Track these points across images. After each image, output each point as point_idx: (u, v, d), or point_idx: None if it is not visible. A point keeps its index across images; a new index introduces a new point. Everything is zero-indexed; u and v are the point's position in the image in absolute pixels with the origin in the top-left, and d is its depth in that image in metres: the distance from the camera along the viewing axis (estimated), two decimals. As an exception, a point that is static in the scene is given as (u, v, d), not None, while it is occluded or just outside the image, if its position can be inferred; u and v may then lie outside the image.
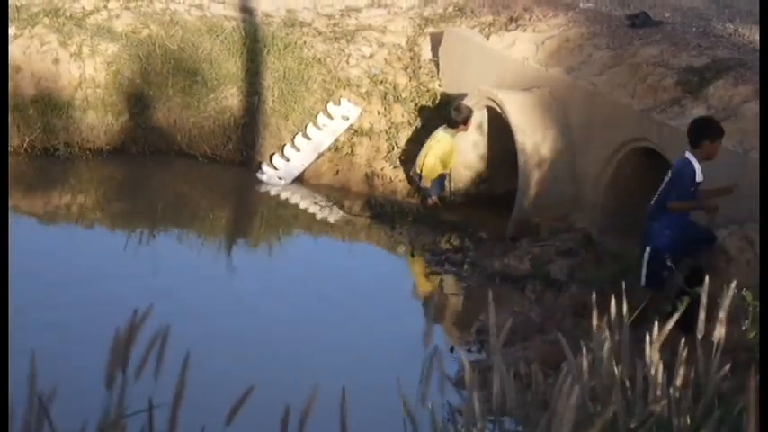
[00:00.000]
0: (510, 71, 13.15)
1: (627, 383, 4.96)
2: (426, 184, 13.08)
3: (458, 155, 13.13)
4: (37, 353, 3.75)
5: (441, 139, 12.96)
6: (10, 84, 14.18)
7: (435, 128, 13.39)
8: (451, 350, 9.37)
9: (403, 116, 14.19)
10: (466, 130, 12.96)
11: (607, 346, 4.99)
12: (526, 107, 12.26)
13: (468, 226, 12.61)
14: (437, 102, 14.17)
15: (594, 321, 5.15)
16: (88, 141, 14.28)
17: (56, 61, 14.40)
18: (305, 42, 14.83)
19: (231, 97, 14.44)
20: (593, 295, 5.40)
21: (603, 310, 5.47)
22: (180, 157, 14.32)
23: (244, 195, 14.23)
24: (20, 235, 12.20)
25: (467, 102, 12.99)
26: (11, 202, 13.29)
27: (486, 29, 14.17)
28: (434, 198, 13.18)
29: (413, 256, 12.14)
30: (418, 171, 13.06)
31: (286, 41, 14.72)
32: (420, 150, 13.10)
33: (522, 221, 12.06)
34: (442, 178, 13.19)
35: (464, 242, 12.23)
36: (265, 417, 4.00)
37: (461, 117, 12.86)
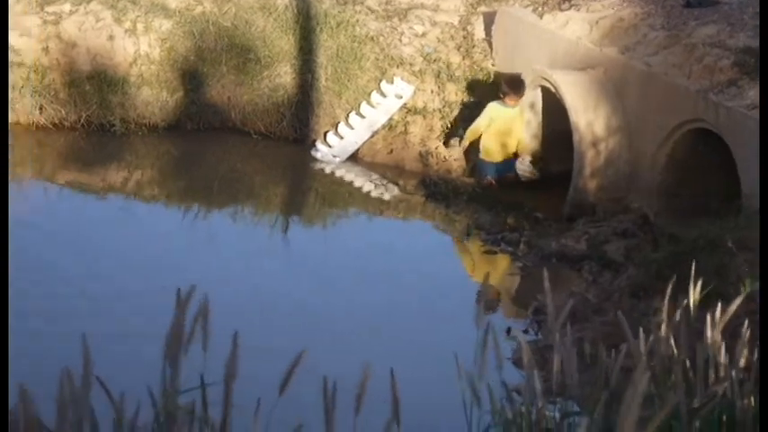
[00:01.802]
0: (563, 51, 13.12)
1: (688, 365, 4.98)
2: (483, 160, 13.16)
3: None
4: (91, 329, 3.83)
5: (488, 112, 13.10)
6: (66, 60, 14.37)
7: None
8: (508, 331, 9.39)
9: (456, 95, 14.19)
10: (513, 102, 12.96)
11: (665, 326, 5.02)
12: (581, 87, 12.24)
13: (524, 206, 12.59)
14: (490, 81, 14.16)
15: (658, 302, 5.17)
16: (143, 117, 14.40)
17: (111, 37, 14.52)
18: (357, 20, 14.85)
19: (285, 75, 14.51)
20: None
21: (661, 291, 5.49)
22: (234, 134, 14.42)
23: (298, 172, 14.31)
24: (76, 210, 12.41)
25: (520, 81, 13.02)
26: (68, 178, 13.50)
27: (540, 8, 14.13)
28: (489, 178, 13.15)
29: (468, 235, 12.13)
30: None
31: (339, 19, 14.75)
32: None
33: (578, 202, 12.04)
34: (509, 161, 13.19)
35: (520, 222, 12.21)
36: (319, 396, 4.04)
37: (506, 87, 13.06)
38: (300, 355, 4.00)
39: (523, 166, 13.07)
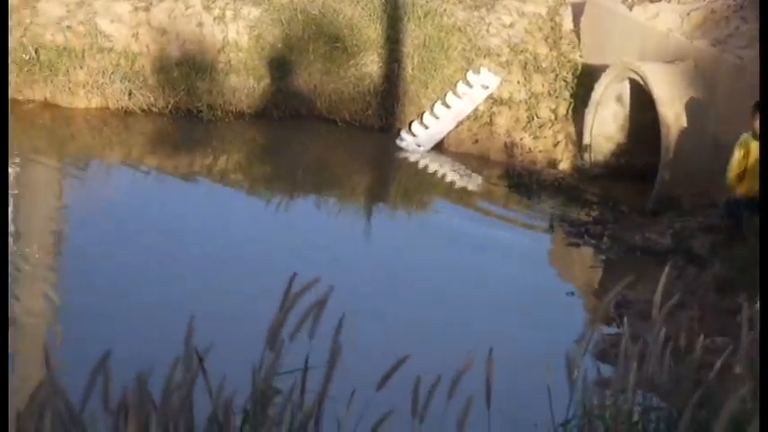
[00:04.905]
0: (653, 43, 12.99)
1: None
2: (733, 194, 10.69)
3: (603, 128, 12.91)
4: (184, 313, 3.88)
5: (742, 144, 10.57)
6: (155, 46, 14.53)
7: (575, 99, 13.44)
8: (590, 323, 9.33)
9: (543, 86, 14.12)
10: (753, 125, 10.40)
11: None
12: (670, 80, 12.11)
13: (609, 198, 12.49)
14: (578, 73, 14.07)
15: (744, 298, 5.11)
16: (230, 104, 14.52)
17: (200, 24, 14.66)
18: (445, 10, 14.84)
19: (371, 63, 14.54)
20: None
21: (748, 287, 5.42)
22: (320, 122, 14.49)
23: (383, 161, 14.35)
24: (164, 194, 12.55)
25: (608, 73, 12.87)
26: (156, 162, 13.64)
27: (630, 0, 14.00)
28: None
29: (552, 227, 12.04)
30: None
31: (426, 9, 14.75)
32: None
33: (664, 195, 11.91)
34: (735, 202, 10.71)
35: (604, 215, 12.11)
36: (404, 385, 4.06)
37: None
38: (403, 359, 4.05)
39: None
